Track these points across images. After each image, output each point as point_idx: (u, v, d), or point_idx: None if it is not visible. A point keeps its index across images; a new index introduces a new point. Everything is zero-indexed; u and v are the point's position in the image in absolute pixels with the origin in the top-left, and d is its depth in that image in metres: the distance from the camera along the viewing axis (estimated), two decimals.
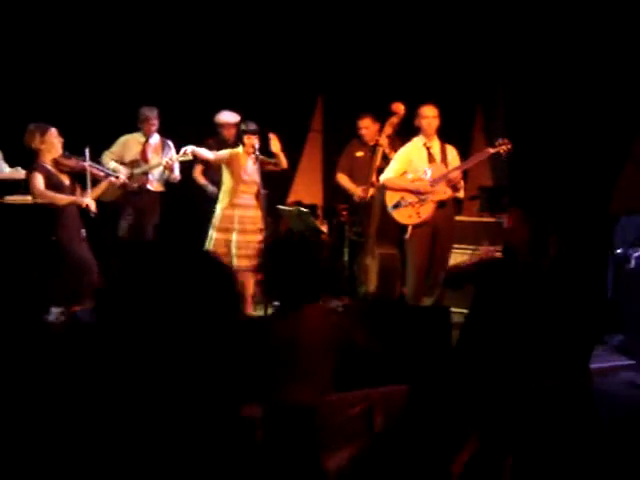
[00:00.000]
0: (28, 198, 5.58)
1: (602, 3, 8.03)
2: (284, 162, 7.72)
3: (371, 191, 7.79)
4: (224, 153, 7.66)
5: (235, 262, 7.38)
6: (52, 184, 6.60)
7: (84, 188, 6.84)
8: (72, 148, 6.90)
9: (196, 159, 8.08)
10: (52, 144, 6.65)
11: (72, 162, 6.77)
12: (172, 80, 9.01)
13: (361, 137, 8.23)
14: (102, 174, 7.04)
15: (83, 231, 6.69)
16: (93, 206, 6.75)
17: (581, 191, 8.16)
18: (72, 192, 6.72)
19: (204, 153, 7.72)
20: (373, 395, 4.77)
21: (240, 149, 7.59)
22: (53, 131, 6.69)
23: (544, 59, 8.56)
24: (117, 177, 7.18)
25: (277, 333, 3.69)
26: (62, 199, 6.55)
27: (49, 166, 6.65)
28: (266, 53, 9.43)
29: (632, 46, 7.88)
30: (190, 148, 7.65)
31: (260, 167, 7.45)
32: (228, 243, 7.50)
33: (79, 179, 6.89)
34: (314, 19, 9.46)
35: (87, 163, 6.81)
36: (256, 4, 9.23)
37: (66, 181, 6.73)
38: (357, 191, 8.05)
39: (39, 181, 6.53)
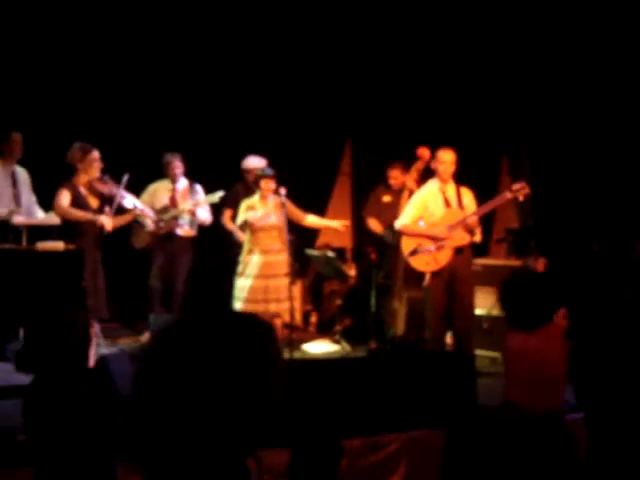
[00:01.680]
0: (59, 245, 5.66)
1: (620, 57, 8.09)
2: (312, 224, 7.94)
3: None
4: (242, 216, 7.65)
5: (241, 306, 7.42)
6: (77, 203, 6.66)
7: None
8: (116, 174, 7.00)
9: (223, 203, 8.18)
10: (91, 166, 6.70)
11: (106, 187, 6.80)
12: (202, 125, 9.16)
13: (389, 185, 8.31)
14: (130, 206, 7.06)
15: (99, 254, 6.70)
16: (109, 225, 6.73)
17: (607, 232, 8.18)
18: (100, 214, 6.78)
19: (230, 226, 8.05)
20: (398, 440, 4.82)
21: (255, 197, 7.65)
22: (95, 153, 6.76)
23: (567, 102, 8.64)
24: (142, 209, 7.22)
25: None
26: (78, 215, 6.59)
27: (81, 186, 6.71)
28: (294, 97, 9.56)
29: None
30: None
31: (285, 212, 7.49)
32: (244, 288, 7.54)
33: (110, 205, 6.93)
34: (343, 63, 9.59)
35: (120, 192, 6.84)
36: (286, 49, 9.36)
37: (93, 204, 6.78)
38: (385, 232, 8.15)
39: (64, 197, 6.61)
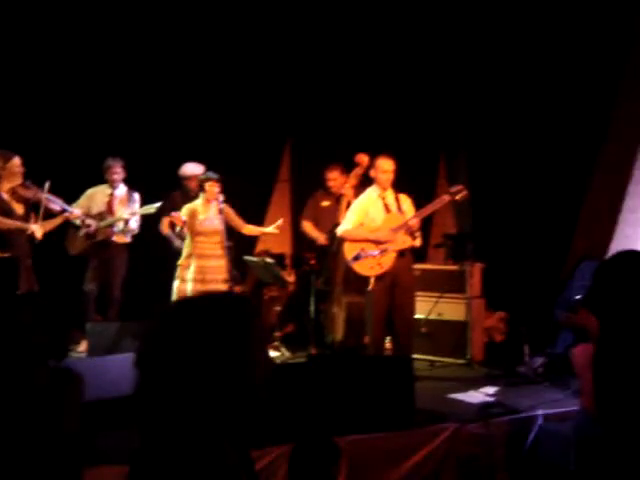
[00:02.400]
0: None
1: (557, 62, 8.23)
2: (252, 232, 7.94)
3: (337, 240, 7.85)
4: (185, 219, 7.58)
5: None
6: (1, 211, 6.55)
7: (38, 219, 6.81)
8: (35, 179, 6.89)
9: (161, 211, 8.14)
10: (13, 173, 6.61)
11: (30, 192, 6.72)
12: (137, 132, 9.06)
13: (328, 188, 8.32)
14: (58, 208, 6.98)
15: (29, 261, 6.57)
16: (39, 233, 6.65)
17: (543, 236, 8.31)
18: (24, 221, 6.68)
19: (167, 233, 8.08)
20: (340, 443, 4.82)
21: (198, 201, 7.61)
22: (16, 160, 6.66)
23: (505, 107, 8.75)
24: (72, 212, 7.13)
25: None
26: (7, 223, 6.49)
27: (4, 193, 6.62)
28: (232, 103, 9.51)
29: (584, 101, 8.11)
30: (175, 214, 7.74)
31: (225, 218, 7.49)
32: (183, 293, 7.51)
33: (37, 210, 6.87)
34: (282, 67, 9.57)
35: (45, 195, 6.76)
36: (222, 52, 9.31)
37: (19, 210, 6.68)
38: (320, 238, 8.17)
39: None
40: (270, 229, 7.96)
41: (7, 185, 6.62)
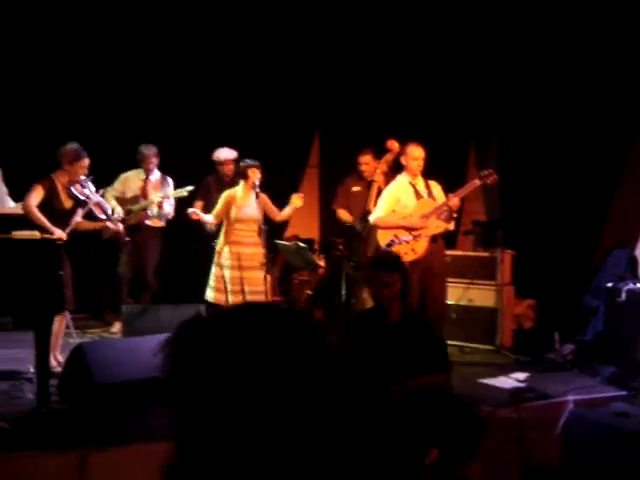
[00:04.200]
0: (36, 234, 5.65)
1: (590, 48, 8.20)
2: (284, 217, 7.91)
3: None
4: (220, 207, 7.68)
5: (230, 298, 7.49)
6: (51, 199, 6.56)
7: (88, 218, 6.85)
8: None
9: (194, 195, 8.24)
10: (76, 172, 6.61)
11: (83, 193, 6.76)
12: (171, 118, 9.17)
13: (360, 172, 8.36)
14: (103, 217, 7.00)
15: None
16: (64, 237, 6.49)
17: (573, 224, 8.32)
18: (69, 216, 6.71)
19: (206, 219, 7.83)
20: None
21: (238, 188, 7.69)
22: (86, 161, 6.65)
23: (535, 96, 8.75)
24: (115, 224, 7.10)
25: None
26: (38, 220, 6.46)
27: (59, 184, 6.64)
28: (263, 90, 9.60)
29: (617, 88, 8.08)
30: (191, 210, 7.80)
31: (261, 204, 7.57)
32: (223, 279, 7.63)
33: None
34: (311, 56, 9.63)
35: (95, 200, 6.79)
36: (255, 43, 9.39)
37: (67, 204, 6.69)
38: (355, 221, 8.23)
39: (36, 195, 6.50)
40: (292, 205, 7.77)
41: (66, 178, 6.63)
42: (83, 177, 6.66)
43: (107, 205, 7.02)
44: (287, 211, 7.81)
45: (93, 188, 6.76)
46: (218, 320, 1.39)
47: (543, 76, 8.66)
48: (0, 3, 8.26)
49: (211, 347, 1.32)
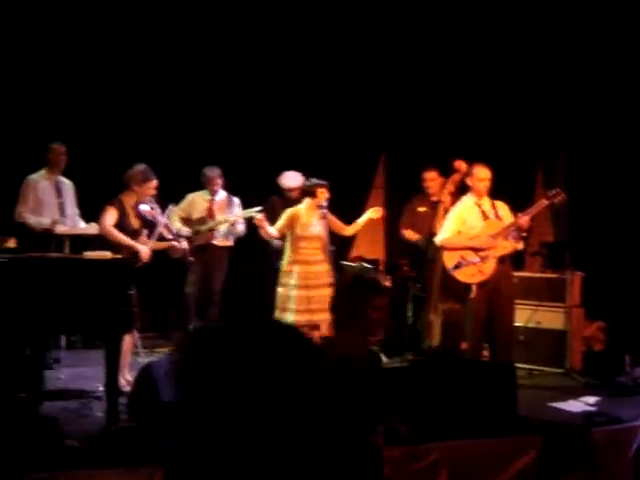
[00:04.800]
0: (107, 254, 5.74)
1: None
2: (353, 231, 7.90)
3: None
4: (283, 222, 7.70)
5: (292, 317, 7.47)
6: (120, 223, 6.67)
7: (150, 236, 6.90)
8: None
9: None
10: (145, 192, 6.72)
11: (151, 213, 6.87)
12: (237, 139, 9.29)
13: (425, 190, 8.31)
14: (170, 236, 7.11)
15: None
16: (146, 257, 6.69)
17: None
18: (137, 236, 6.83)
19: (269, 230, 7.77)
20: (438, 449, 4.86)
21: (302, 206, 7.71)
22: (154, 182, 6.76)
23: (605, 116, 8.65)
24: (180, 244, 7.20)
25: None
26: (121, 240, 6.59)
27: (128, 206, 6.75)
28: (328, 112, 9.66)
29: None
30: (258, 215, 7.80)
31: (327, 224, 7.59)
32: (286, 299, 7.64)
33: (150, 228, 6.97)
34: (377, 78, 9.67)
35: (163, 220, 6.91)
36: (321, 65, 9.46)
37: (135, 224, 6.79)
38: (421, 240, 8.19)
39: (110, 216, 6.60)
40: (369, 214, 7.86)
41: (134, 199, 6.74)
42: (149, 198, 6.76)
43: (172, 225, 7.13)
44: (360, 221, 7.80)
45: (159, 210, 6.85)
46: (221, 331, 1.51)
47: (613, 95, 8.55)
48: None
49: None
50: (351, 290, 4.63)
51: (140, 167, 6.77)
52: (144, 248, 6.62)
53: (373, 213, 7.79)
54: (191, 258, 7.56)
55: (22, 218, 7.49)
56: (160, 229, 6.88)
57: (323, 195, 7.58)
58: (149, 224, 6.91)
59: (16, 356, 5.34)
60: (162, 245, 7.09)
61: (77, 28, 8.64)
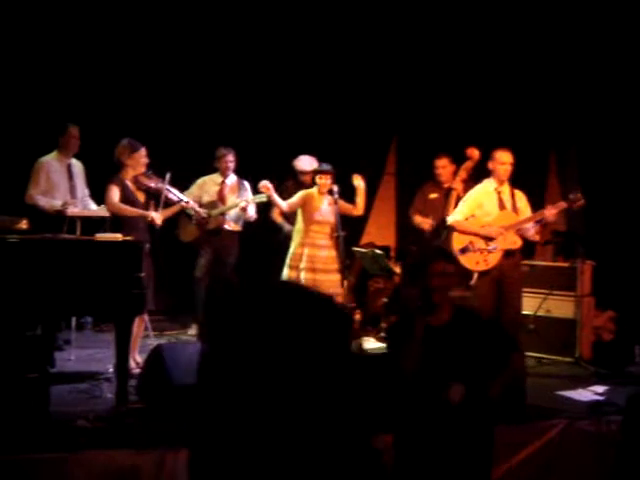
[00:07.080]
0: (118, 236, 5.77)
1: None
2: (361, 207, 7.84)
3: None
4: (296, 199, 7.75)
5: None
6: (126, 198, 6.80)
7: (157, 207, 7.01)
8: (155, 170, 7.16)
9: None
10: (138, 163, 6.84)
11: (151, 182, 6.94)
12: (251, 123, 9.28)
13: (437, 177, 8.26)
14: (176, 199, 7.22)
15: (147, 246, 6.66)
16: (159, 221, 6.89)
17: None
18: (145, 208, 6.92)
19: (278, 202, 7.80)
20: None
21: (314, 189, 7.75)
22: (142, 151, 6.89)
23: (617, 109, 8.61)
24: (188, 202, 7.35)
25: None
26: (131, 211, 6.77)
27: (128, 181, 6.86)
28: (341, 97, 9.65)
29: None
30: (263, 182, 7.76)
31: (337, 209, 7.58)
32: (297, 281, 7.62)
33: (156, 199, 7.08)
34: (389, 63, 9.65)
35: (165, 186, 6.98)
36: (334, 50, 9.45)
37: (141, 198, 6.93)
38: (425, 223, 8.16)
39: (114, 193, 6.77)
40: (359, 187, 7.75)
41: (131, 173, 6.86)
42: (145, 170, 6.87)
43: (175, 189, 7.22)
44: (359, 199, 7.77)
45: (157, 177, 6.98)
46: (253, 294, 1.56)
47: (623, 89, 8.52)
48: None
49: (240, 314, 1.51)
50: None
51: (124, 141, 6.93)
52: (154, 213, 6.78)
53: (356, 181, 7.72)
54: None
55: (33, 200, 7.51)
56: (165, 194, 6.96)
57: (322, 181, 7.58)
58: (154, 196, 7.03)
59: (27, 337, 5.36)
60: (172, 210, 7.28)
61: (89, 11, 8.65)
